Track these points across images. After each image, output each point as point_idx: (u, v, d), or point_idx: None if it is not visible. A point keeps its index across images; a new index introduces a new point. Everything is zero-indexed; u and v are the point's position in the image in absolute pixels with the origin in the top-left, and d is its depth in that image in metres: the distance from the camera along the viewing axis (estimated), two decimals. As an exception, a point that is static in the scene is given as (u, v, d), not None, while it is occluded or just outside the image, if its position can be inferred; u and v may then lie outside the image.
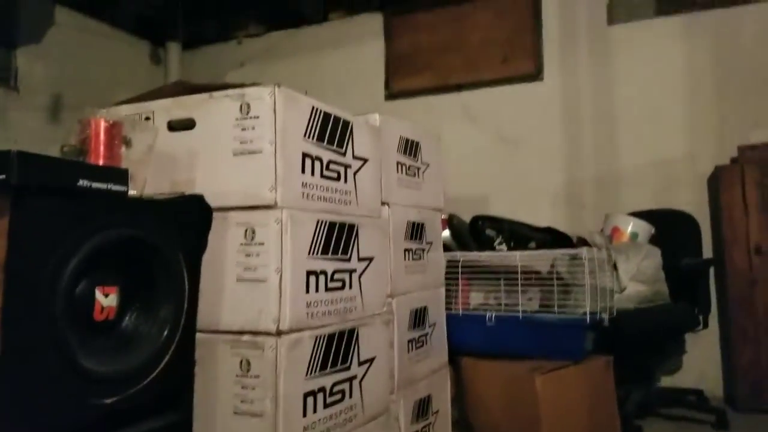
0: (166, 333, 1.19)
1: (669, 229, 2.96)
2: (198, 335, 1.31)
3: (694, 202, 3.12)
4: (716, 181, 3.00)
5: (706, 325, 2.81)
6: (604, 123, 3.37)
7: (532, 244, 2.56)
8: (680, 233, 2.99)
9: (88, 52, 3.34)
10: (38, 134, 3.06)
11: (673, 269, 2.72)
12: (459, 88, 3.69)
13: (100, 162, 1.24)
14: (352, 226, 1.60)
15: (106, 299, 1.09)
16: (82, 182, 1.06)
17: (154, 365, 1.17)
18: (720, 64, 3.16)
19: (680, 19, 3.25)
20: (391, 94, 3.87)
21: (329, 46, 4.08)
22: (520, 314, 2.32)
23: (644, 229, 2.93)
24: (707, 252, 3.05)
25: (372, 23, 3.97)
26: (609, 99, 3.38)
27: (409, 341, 1.92)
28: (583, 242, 2.63)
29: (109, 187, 1.11)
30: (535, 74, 3.54)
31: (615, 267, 2.57)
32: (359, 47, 3.99)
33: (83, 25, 3.36)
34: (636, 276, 2.59)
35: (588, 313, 2.23)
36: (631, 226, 2.94)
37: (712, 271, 2.99)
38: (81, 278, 1.04)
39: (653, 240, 2.90)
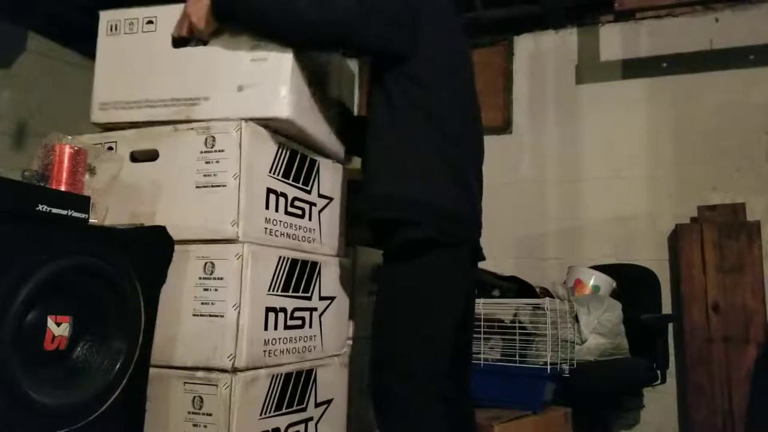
0: (118, 366, 1.16)
1: (630, 283, 2.99)
2: (150, 370, 1.28)
3: (654, 258, 3.18)
4: (676, 239, 3.07)
5: (664, 381, 2.83)
6: (569, 177, 3.44)
7: (496, 292, 2.57)
8: (641, 288, 3.03)
9: (57, 80, 3.31)
10: (0, 160, 3.01)
11: (633, 323, 2.74)
12: (430, 135, 3.74)
13: (62, 188, 1.22)
14: (314, 264, 1.60)
15: (59, 328, 1.07)
16: (42, 207, 1.04)
17: (104, 399, 1.13)
18: (681, 127, 3.26)
19: (645, 83, 3.37)
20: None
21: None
22: (482, 362, 2.32)
23: (606, 282, 2.97)
24: (666, 308, 3.09)
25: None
26: (574, 154, 3.46)
27: (368, 385, 1.90)
28: (546, 293, 2.65)
29: (69, 213, 1.10)
30: (505, 127, 3.61)
31: (576, 319, 2.59)
32: (333, 92, 4.03)
33: (55, 54, 3.34)
34: (597, 329, 2.61)
35: (548, 363, 2.23)
36: (593, 280, 2.98)
37: (671, 326, 3.03)
38: (33, 305, 1.02)
39: (614, 294, 2.93)
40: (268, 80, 1.42)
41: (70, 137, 1.29)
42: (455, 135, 1.50)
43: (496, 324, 2.38)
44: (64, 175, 1.24)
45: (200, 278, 1.36)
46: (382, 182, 1.44)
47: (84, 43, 3.46)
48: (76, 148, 1.27)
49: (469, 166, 1.58)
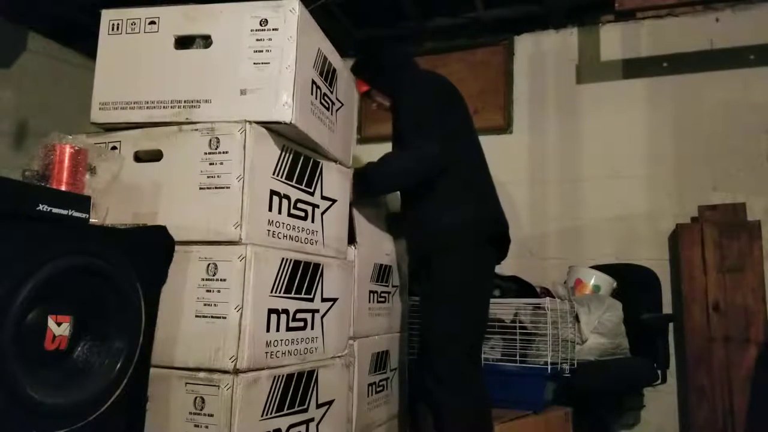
0: (119, 366, 1.15)
1: (630, 283, 2.99)
2: (151, 370, 1.28)
3: (655, 257, 3.18)
4: (676, 239, 3.06)
5: (664, 380, 2.83)
6: (569, 177, 3.44)
7: (497, 292, 2.56)
8: (641, 288, 3.03)
9: (58, 80, 3.31)
10: (1, 160, 3.00)
11: (634, 323, 2.74)
12: (430, 135, 3.73)
13: (63, 188, 1.21)
14: (317, 266, 1.59)
15: (59, 328, 1.06)
16: (42, 207, 1.03)
17: (104, 399, 1.13)
18: (681, 127, 3.26)
19: (645, 83, 3.37)
20: (363, 138, 3.90)
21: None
22: (482, 362, 2.31)
23: (606, 282, 2.97)
24: (667, 307, 3.09)
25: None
26: (574, 154, 3.45)
27: (369, 385, 1.90)
28: (546, 293, 2.65)
29: (70, 213, 1.09)
30: (505, 127, 3.61)
31: (577, 319, 2.59)
32: (333, 91, 4.02)
33: (56, 54, 3.33)
34: (597, 328, 2.60)
35: (549, 363, 2.23)
36: (593, 279, 2.98)
37: (671, 326, 3.03)
38: (34, 305, 1.01)
39: (615, 294, 2.93)
40: (270, 84, 1.41)
41: (70, 137, 1.28)
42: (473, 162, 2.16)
43: (496, 324, 2.38)
44: (65, 174, 1.24)
45: (203, 279, 1.35)
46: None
47: (84, 42, 3.47)
48: (76, 147, 1.26)
49: (484, 183, 2.15)
